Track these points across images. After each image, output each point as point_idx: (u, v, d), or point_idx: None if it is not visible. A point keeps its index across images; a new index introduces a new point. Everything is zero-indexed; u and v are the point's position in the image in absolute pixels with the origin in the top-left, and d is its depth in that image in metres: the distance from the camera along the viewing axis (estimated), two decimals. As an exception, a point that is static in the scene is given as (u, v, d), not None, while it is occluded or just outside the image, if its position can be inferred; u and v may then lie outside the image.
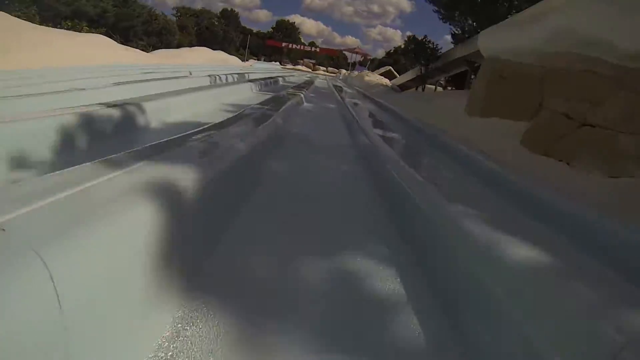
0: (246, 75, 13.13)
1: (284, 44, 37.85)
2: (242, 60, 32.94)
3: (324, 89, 15.54)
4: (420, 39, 13.61)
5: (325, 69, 59.04)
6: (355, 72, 24.79)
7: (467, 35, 11.63)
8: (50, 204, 0.86)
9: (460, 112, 5.85)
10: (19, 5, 14.99)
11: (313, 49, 37.29)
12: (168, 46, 23.99)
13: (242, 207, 1.95)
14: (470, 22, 11.94)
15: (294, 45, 38.22)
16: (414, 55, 13.81)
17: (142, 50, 17.22)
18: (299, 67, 55.73)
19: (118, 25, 20.43)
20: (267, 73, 18.02)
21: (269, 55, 56.09)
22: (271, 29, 57.12)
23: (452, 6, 11.80)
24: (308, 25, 70.09)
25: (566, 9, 3.91)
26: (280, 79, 15.01)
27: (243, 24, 60.16)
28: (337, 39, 73.74)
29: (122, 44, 15.98)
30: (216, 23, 47.67)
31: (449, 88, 15.29)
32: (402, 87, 18.09)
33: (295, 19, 79.03)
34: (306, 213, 2.08)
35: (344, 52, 24.01)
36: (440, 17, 12.95)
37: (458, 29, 12.71)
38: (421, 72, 13.99)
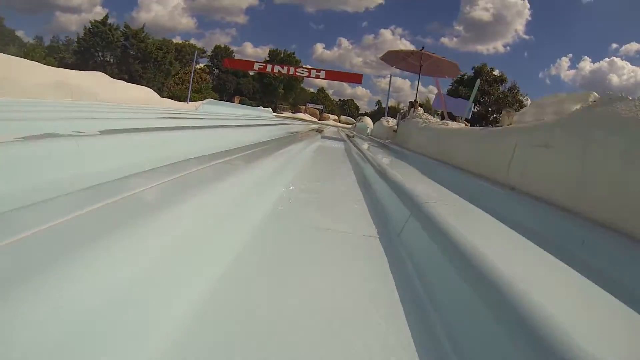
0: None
1: (257, 65, 21.96)
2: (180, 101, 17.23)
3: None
4: None
5: (336, 117, 43.95)
6: (432, 118, 7.46)
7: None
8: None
9: None
10: None
11: (314, 73, 20.94)
12: None
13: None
14: None
15: (274, 70, 22.31)
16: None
17: None
18: (301, 114, 40.38)
19: None
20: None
21: (264, 100, 41.98)
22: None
23: None
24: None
25: None
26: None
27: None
28: (348, 89, 71.86)
29: None
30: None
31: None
32: None
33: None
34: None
35: (385, 61, 10.49)
36: None
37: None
38: None
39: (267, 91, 42.04)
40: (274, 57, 44.17)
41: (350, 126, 37.74)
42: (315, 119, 41.13)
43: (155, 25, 50.77)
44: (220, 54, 55.35)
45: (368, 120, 25.51)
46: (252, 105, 34.09)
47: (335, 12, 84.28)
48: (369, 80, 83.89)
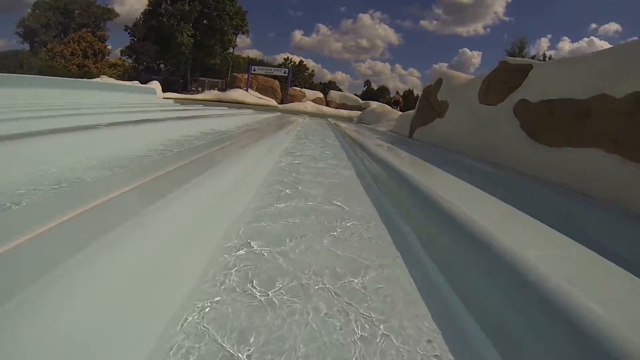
0: None
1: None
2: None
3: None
4: None
5: (320, 96, 21.98)
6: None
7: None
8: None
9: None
10: None
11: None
12: None
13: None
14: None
15: None
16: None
17: None
18: (238, 93, 17.79)
19: None
20: None
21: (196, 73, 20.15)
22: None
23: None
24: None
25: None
26: None
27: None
28: (328, 75, 71.01)
29: None
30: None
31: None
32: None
33: (285, 57, 65.07)
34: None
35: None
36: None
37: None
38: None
39: (169, 50, 20.34)
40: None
41: (354, 119, 16.30)
42: (273, 102, 19.27)
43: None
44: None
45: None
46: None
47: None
48: (349, 66, 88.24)
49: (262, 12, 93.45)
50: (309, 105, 19.05)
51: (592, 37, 69.62)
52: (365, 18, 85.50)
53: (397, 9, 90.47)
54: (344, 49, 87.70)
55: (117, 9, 39.89)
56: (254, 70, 20.30)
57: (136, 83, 15.88)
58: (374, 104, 19.65)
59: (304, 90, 21.97)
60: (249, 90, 19.68)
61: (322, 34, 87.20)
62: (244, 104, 18.09)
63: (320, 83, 55.31)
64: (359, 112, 18.82)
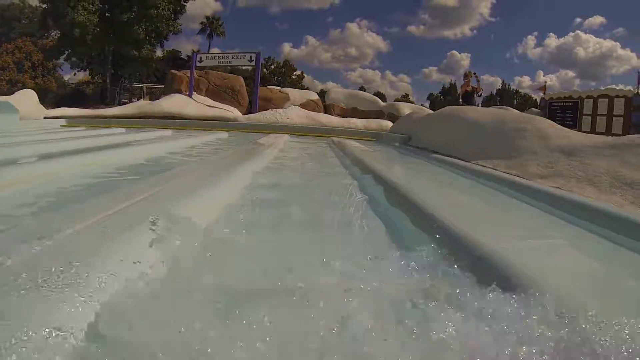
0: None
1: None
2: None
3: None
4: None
5: (315, 98, 14.52)
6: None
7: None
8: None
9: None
10: None
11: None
12: None
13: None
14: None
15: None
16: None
17: None
18: (175, 102, 9.80)
19: None
20: None
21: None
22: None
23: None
24: (288, 74, 52.00)
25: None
26: None
27: None
28: (319, 85, 51.31)
29: None
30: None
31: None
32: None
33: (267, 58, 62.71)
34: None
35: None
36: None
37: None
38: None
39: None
40: None
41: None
42: (233, 111, 12.04)
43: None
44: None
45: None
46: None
47: (300, 11, 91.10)
48: (339, 75, 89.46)
49: (249, 26, 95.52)
50: (294, 114, 11.87)
51: (578, 32, 73.46)
52: (352, 27, 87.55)
53: (384, 16, 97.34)
54: (334, 58, 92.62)
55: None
56: (201, 61, 13.23)
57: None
58: (404, 107, 12.40)
59: (286, 90, 14.78)
60: (194, 94, 12.61)
61: (311, 45, 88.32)
62: (181, 118, 10.85)
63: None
64: (382, 121, 11.48)
